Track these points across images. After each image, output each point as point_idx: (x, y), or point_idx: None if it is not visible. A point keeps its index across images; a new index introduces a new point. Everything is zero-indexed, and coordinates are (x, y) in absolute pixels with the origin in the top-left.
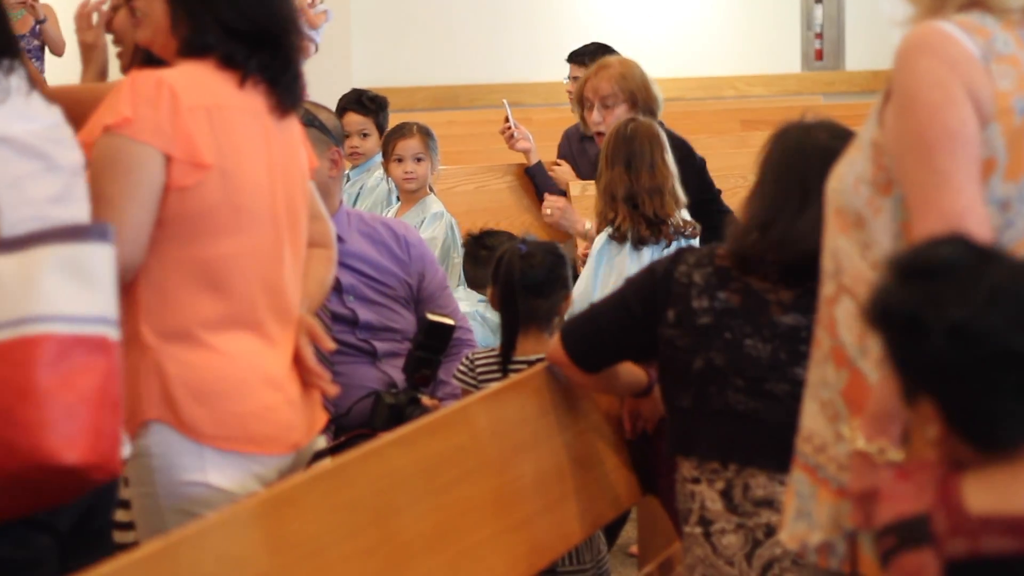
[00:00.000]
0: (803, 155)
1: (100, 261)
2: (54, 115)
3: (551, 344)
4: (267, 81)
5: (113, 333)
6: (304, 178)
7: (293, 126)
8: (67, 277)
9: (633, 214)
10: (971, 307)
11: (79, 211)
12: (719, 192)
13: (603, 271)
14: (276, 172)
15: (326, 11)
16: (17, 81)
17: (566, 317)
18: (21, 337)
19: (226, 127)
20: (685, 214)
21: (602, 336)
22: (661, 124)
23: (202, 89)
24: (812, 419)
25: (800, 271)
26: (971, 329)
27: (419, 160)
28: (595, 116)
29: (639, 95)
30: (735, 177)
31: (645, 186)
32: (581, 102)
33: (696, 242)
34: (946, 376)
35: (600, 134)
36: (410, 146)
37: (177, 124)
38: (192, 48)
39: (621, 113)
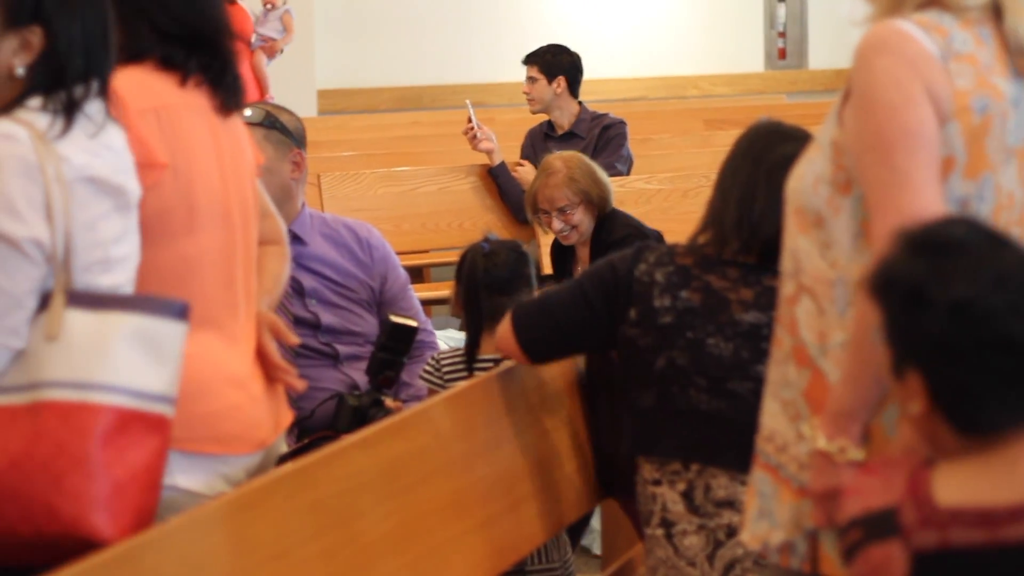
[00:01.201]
0: (751, 155)
1: (173, 339)
2: (123, 139)
3: (501, 327)
4: (209, 82)
5: (171, 412)
6: (253, 175)
7: (238, 124)
8: (139, 350)
9: None
10: (977, 287)
11: (133, 245)
12: None
13: None
14: (227, 169)
15: (288, 10)
16: (105, 107)
17: None
18: (84, 402)
19: (175, 126)
20: None
21: (557, 330)
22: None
23: (147, 91)
24: (773, 418)
25: (758, 269)
26: (973, 309)
27: None
28: (556, 224)
29: (592, 192)
30: (698, 176)
31: None
32: (535, 209)
33: None
34: (940, 352)
35: (565, 235)
36: None
37: (128, 128)
38: (129, 54)
39: (580, 215)
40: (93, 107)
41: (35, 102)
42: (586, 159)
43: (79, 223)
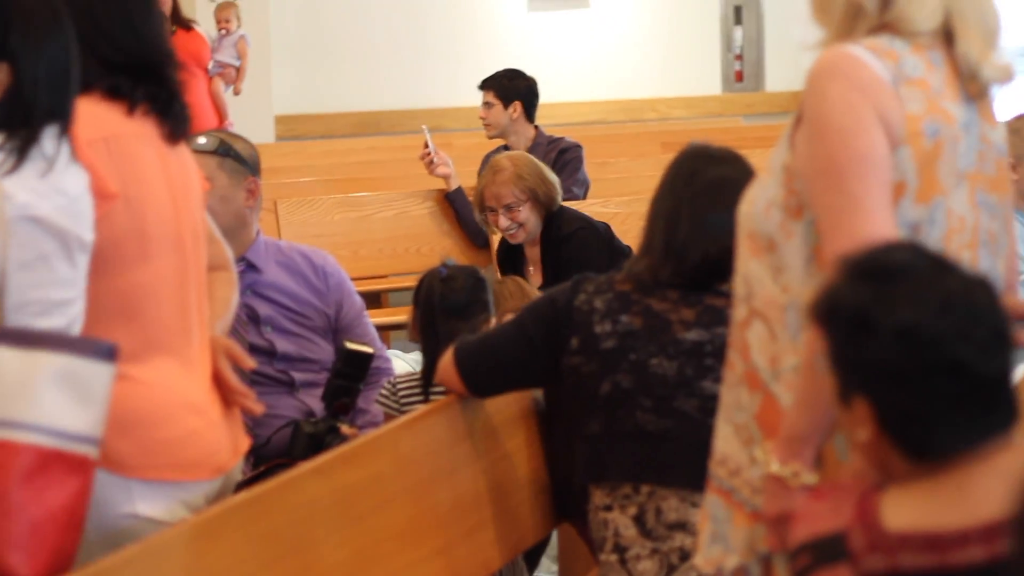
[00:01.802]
0: (678, 181)
1: (100, 380)
2: (80, 182)
3: (443, 364)
4: (156, 111)
5: (94, 453)
6: (201, 201)
7: (185, 152)
8: (64, 390)
9: None
10: (922, 312)
11: (77, 291)
12: (629, 249)
13: None
14: (177, 195)
15: (243, 35)
16: (63, 148)
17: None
18: (5, 440)
19: (125, 155)
20: None
21: (500, 366)
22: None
23: (95, 121)
24: (726, 442)
25: (698, 289)
26: (920, 333)
27: None
28: (503, 222)
29: (539, 190)
30: None
31: None
32: (482, 208)
33: None
34: (888, 378)
35: (511, 233)
36: None
37: (78, 159)
38: None
39: (527, 213)
40: (50, 147)
41: None
42: (533, 158)
43: (15, 262)
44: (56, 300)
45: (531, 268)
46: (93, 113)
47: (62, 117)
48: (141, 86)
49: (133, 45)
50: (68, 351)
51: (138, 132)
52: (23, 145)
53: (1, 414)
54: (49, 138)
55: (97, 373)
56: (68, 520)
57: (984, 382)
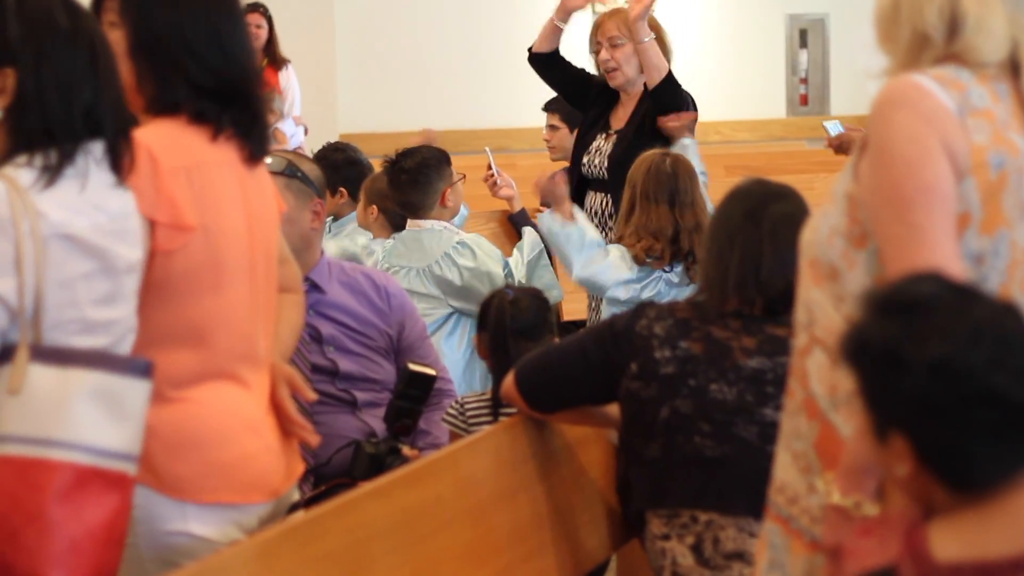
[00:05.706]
0: (747, 215)
1: (135, 397)
2: (126, 202)
3: (506, 381)
4: (239, 135)
5: (132, 469)
6: (277, 223)
7: (263, 172)
8: (99, 407)
9: (675, 251)
10: (953, 344)
11: (121, 312)
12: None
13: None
14: (254, 220)
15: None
16: (102, 166)
17: None
18: (41, 459)
19: (205, 184)
20: None
21: (557, 383)
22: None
23: (179, 149)
24: (785, 470)
25: (760, 319)
26: (952, 366)
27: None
28: (603, 55)
29: None
30: None
31: (689, 225)
32: (594, 41)
33: None
34: (923, 413)
35: (609, 71)
36: None
37: (159, 188)
38: (160, 105)
39: (627, 55)
40: (91, 164)
41: (24, 158)
42: (658, 20)
43: (52, 281)
44: (98, 320)
45: (615, 115)
46: (177, 139)
47: (107, 134)
48: (227, 111)
49: (224, 68)
50: (103, 368)
51: (220, 159)
52: (60, 161)
53: (37, 432)
54: (89, 156)
55: (132, 390)
56: (108, 536)
57: (1021, 409)
